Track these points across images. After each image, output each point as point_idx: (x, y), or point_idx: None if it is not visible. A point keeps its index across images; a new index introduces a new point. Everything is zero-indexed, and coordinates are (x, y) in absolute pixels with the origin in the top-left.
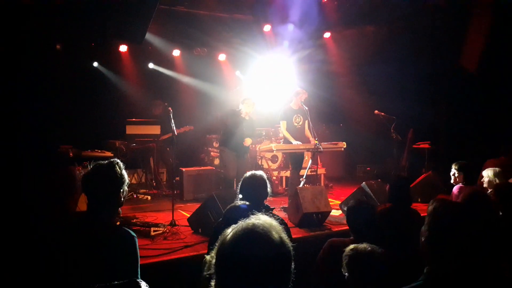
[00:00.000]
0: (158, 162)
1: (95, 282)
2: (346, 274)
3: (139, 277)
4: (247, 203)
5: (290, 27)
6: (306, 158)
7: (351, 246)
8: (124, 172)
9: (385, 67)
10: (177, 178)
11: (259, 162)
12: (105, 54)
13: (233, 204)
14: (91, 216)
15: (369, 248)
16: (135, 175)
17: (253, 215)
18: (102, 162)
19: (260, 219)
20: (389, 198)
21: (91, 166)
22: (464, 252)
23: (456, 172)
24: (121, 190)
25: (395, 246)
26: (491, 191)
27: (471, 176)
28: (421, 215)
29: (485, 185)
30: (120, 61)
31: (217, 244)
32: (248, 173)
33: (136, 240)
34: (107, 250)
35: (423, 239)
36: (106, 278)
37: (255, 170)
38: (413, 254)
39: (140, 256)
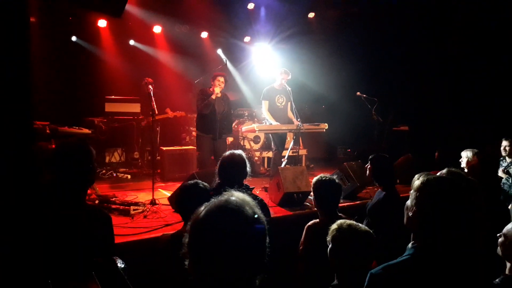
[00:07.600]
0: (142, 141)
1: (70, 261)
2: (330, 245)
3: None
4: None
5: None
6: (288, 139)
7: (340, 222)
8: (91, 149)
9: (368, 49)
10: (158, 158)
11: (242, 143)
12: (84, 30)
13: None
14: (60, 193)
15: (355, 224)
16: (115, 153)
17: (225, 191)
18: (70, 140)
19: (233, 195)
20: (376, 180)
21: (58, 144)
22: (454, 227)
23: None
24: (88, 168)
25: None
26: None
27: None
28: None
29: (463, 165)
30: (100, 37)
31: (189, 222)
32: (227, 153)
33: (111, 220)
34: (82, 229)
35: (410, 214)
36: (81, 257)
37: (236, 150)
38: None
39: (120, 234)
